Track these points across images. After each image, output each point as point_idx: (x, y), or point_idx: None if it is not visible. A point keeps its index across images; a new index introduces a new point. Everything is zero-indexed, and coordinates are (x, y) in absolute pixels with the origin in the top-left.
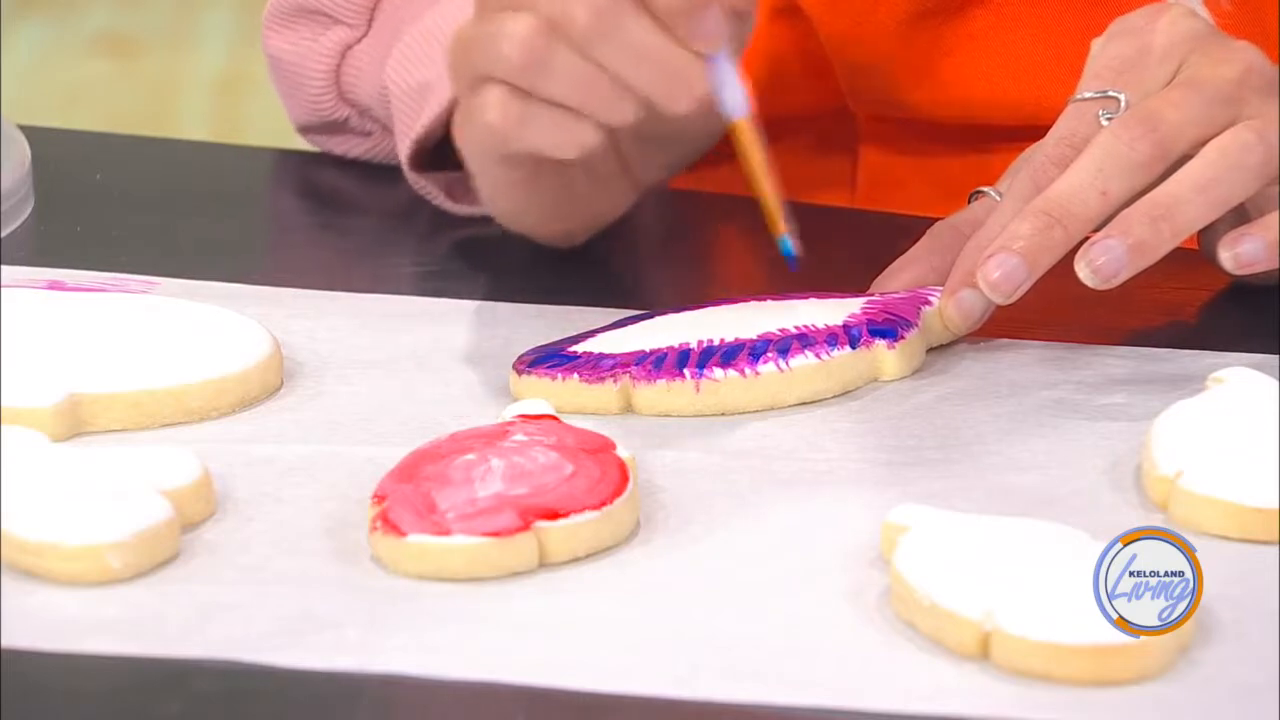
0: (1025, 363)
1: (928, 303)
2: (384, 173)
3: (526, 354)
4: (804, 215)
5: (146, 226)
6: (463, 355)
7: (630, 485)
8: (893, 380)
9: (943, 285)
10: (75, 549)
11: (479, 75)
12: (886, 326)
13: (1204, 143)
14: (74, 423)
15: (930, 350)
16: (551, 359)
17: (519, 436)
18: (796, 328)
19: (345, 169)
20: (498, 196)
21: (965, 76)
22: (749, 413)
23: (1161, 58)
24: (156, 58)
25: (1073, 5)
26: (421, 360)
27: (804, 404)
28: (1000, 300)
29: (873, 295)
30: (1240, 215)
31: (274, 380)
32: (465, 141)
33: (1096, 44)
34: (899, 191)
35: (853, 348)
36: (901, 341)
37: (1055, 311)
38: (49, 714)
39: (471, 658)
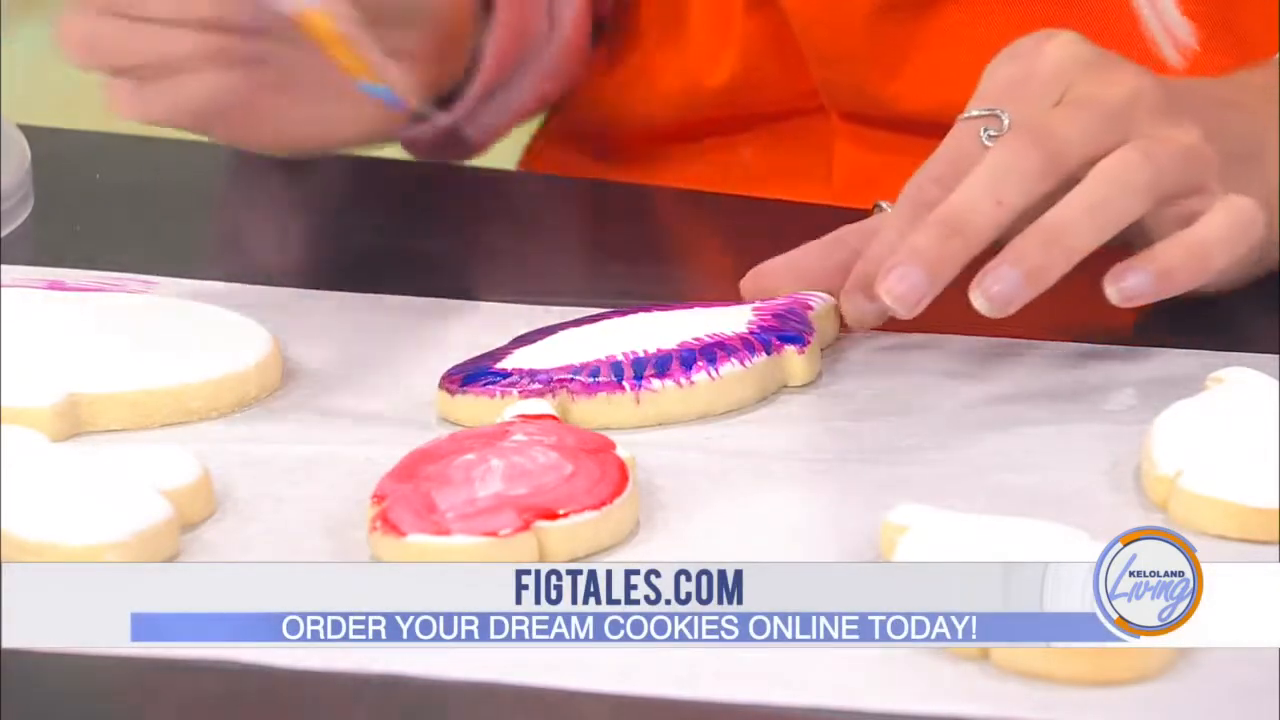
0: (1025, 362)
1: (810, 308)
2: (384, 172)
3: (452, 374)
4: (780, 211)
5: (147, 226)
6: (463, 355)
7: (630, 485)
8: (802, 385)
9: (816, 291)
10: (75, 549)
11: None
12: (793, 333)
13: (1094, 162)
14: (74, 422)
15: (930, 350)
16: (483, 376)
17: (519, 436)
18: (710, 336)
19: (345, 169)
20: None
21: (937, 71)
22: (685, 423)
23: (1047, 79)
24: None
25: (1044, 1)
26: (421, 360)
27: (730, 412)
28: (904, 313)
29: (755, 303)
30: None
31: (273, 380)
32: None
33: (987, 70)
34: (874, 189)
35: (768, 354)
36: (809, 347)
37: (1056, 312)
38: (49, 714)
39: (472, 658)
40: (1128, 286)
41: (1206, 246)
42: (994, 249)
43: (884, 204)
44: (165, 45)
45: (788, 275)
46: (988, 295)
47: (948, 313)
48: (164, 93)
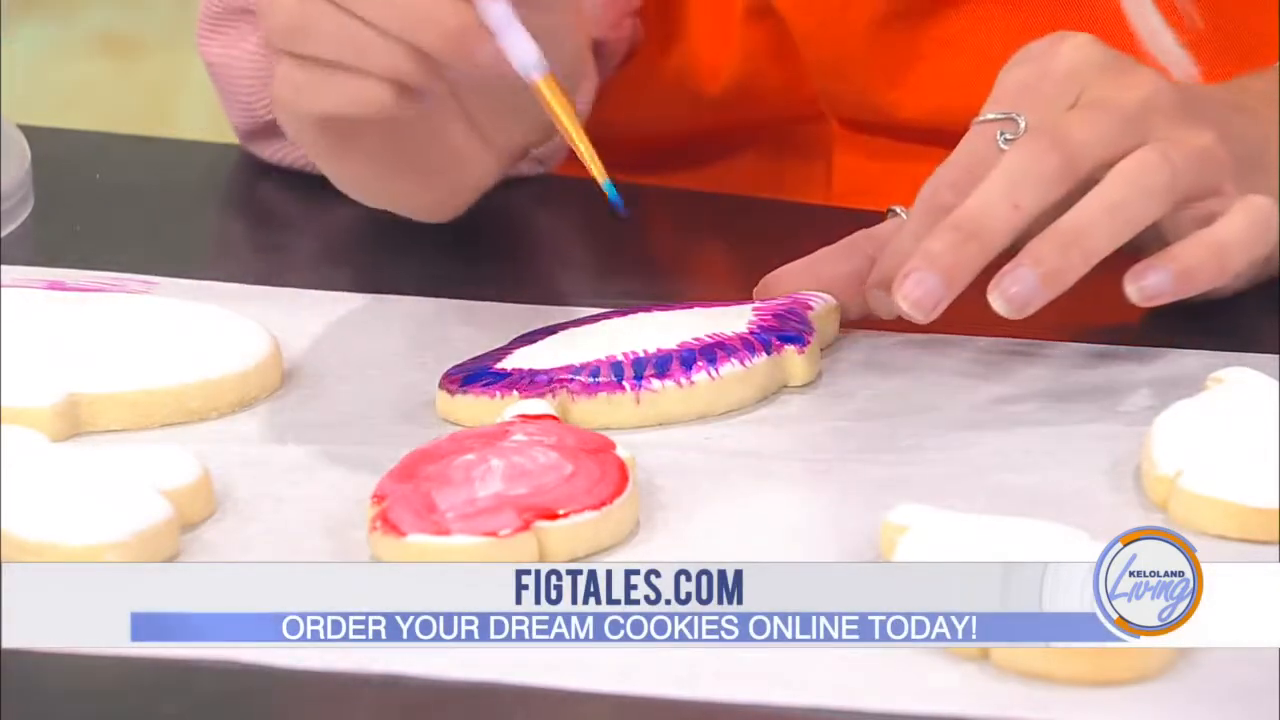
0: (1026, 363)
1: (810, 308)
2: None
3: (452, 374)
4: (780, 212)
5: (146, 226)
6: (462, 355)
7: (630, 485)
8: (802, 385)
9: (827, 294)
10: (75, 549)
11: (270, 45)
12: (793, 333)
13: (1111, 164)
14: (74, 422)
15: (931, 350)
16: (483, 376)
17: (519, 436)
18: (710, 336)
19: None
20: (327, 168)
21: (938, 79)
22: (685, 423)
23: (1062, 81)
24: (156, 58)
25: (1045, 9)
26: (421, 360)
27: (730, 412)
28: (921, 318)
29: (755, 303)
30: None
31: (274, 380)
32: (276, 114)
33: (1001, 73)
34: (873, 197)
35: (768, 354)
36: (809, 347)
37: (1057, 314)
38: (49, 714)
39: (472, 658)
40: (1148, 285)
41: (1226, 247)
42: (1008, 252)
43: (898, 209)
44: (363, 46)
45: (802, 281)
46: (1006, 297)
47: (952, 313)
48: (337, 88)
